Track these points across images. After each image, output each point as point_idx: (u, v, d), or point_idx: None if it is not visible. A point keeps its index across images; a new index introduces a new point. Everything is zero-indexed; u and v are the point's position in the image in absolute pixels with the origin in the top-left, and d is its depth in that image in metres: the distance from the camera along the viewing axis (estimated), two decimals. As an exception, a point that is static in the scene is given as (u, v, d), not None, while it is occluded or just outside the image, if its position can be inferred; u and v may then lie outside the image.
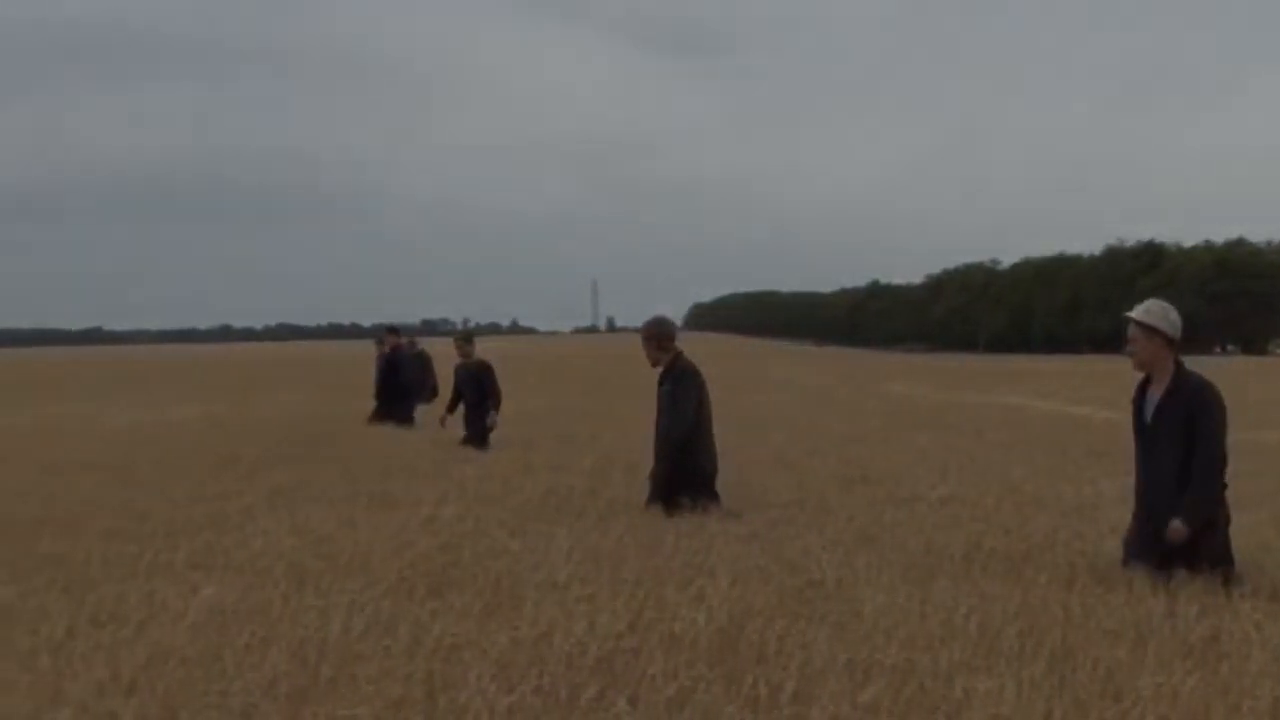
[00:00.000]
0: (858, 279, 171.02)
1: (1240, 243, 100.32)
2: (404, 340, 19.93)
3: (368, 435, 16.68)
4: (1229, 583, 6.34)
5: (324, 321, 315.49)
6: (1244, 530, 7.43)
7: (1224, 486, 6.59)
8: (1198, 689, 4.55)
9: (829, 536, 8.09)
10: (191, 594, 6.25)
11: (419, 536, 8.01)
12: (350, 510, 9.44)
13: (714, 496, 9.22)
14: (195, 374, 55.46)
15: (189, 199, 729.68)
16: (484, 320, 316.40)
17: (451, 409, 15.68)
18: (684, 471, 9.18)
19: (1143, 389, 6.80)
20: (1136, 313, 6.78)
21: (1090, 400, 25.98)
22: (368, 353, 21.13)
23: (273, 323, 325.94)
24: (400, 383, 18.72)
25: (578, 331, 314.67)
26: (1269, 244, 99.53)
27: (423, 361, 21.00)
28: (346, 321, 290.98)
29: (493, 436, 15.10)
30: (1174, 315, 6.75)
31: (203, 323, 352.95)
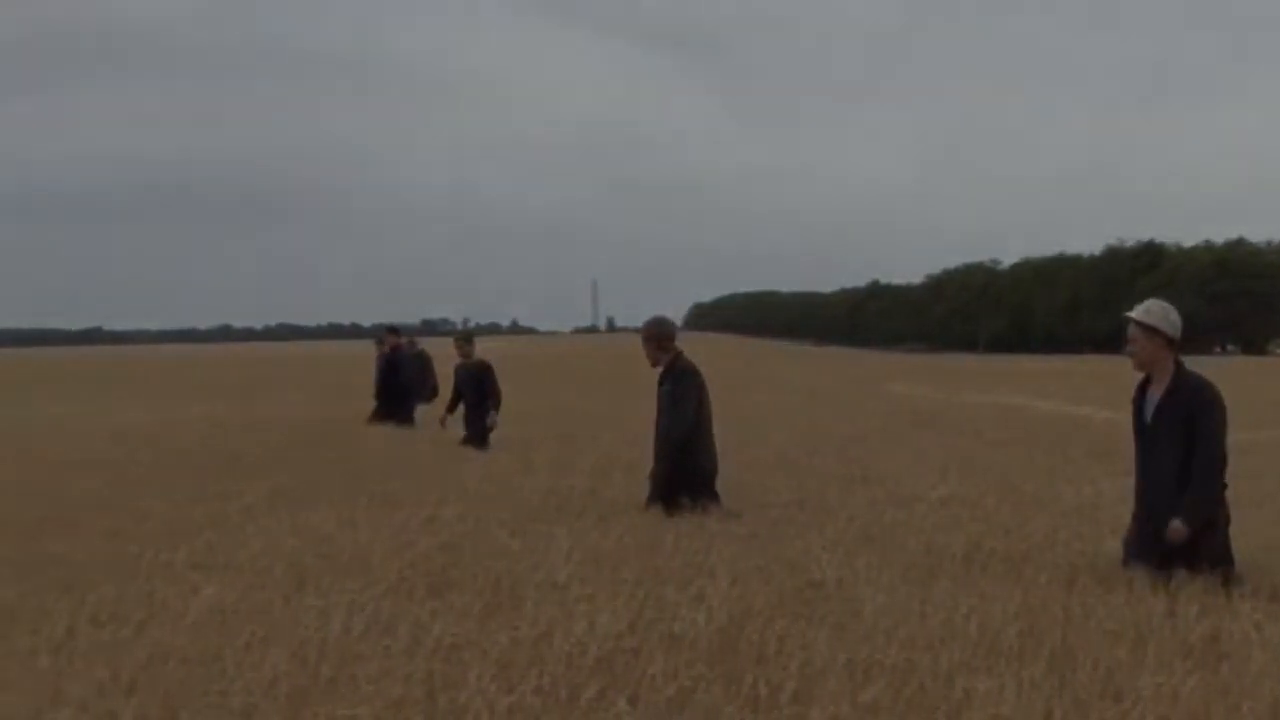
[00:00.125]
0: (858, 279, 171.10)
1: (1240, 243, 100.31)
2: (404, 340, 19.91)
3: (368, 435, 16.68)
4: (1229, 583, 6.34)
5: (324, 321, 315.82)
6: (1245, 530, 7.43)
7: (1224, 486, 6.59)
8: (1198, 689, 4.55)
9: (829, 537, 8.10)
10: (192, 594, 6.25)
11: (419, 536, 8.01)
12: (350, 510, 9.43)
13: (714, 496, 9.23)
14: (195, 374, 55.48)
15: (189, 199, 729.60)
16: (484, 320, 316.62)
17: (451, 409, 15.68)
18: (684, 471, 9.18)
19: (1143, 389, 6.80)
20: (1136, 313, 6.78)
21: (1090, 400, 25.99)
22: (368, 353, 21.12)
23: (273, 322, 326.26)
24: (400, 383, 18.70)
25: (578, 331, 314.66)
26: (1269, 244, 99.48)
27: (423, 361, 20.99)
28: (346, 321, 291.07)
29: (493, 437, 15.11)
30: (1174, 315, 6.75)
31: (203, 322, 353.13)
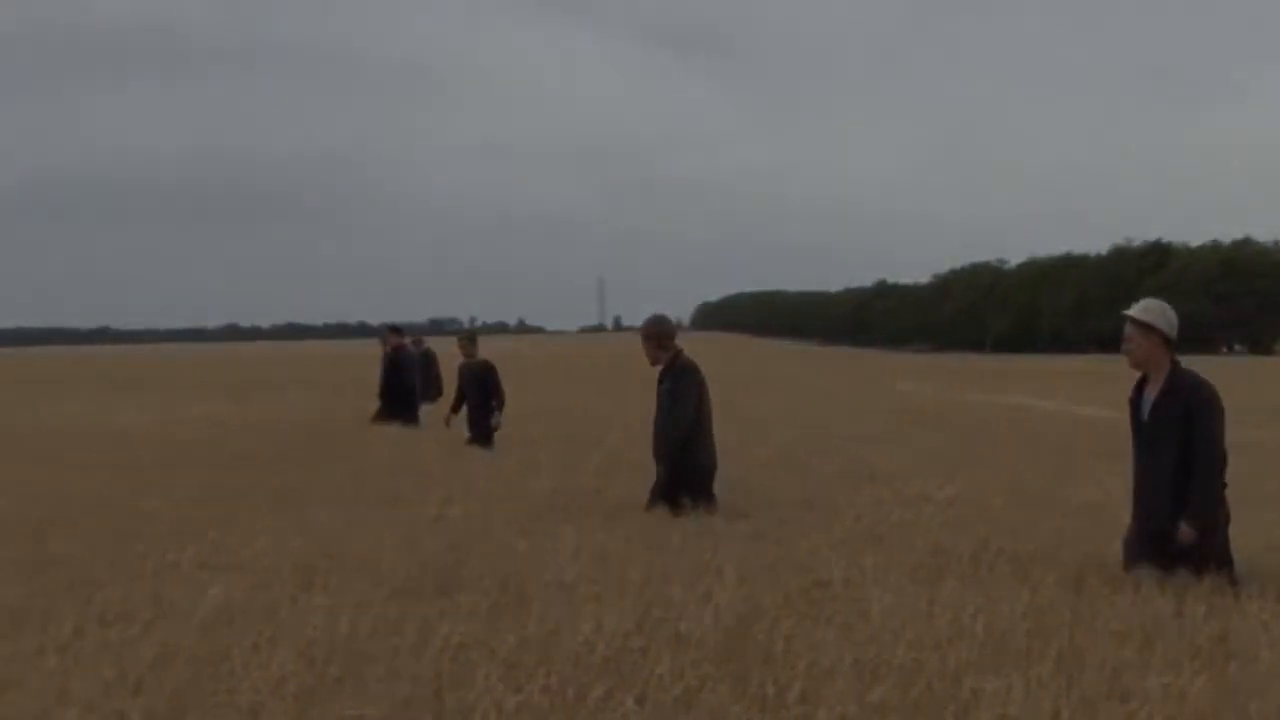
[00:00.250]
0: (864, 279, 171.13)
1: (1247, 242, 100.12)
2: (407, 339, 19.88)
3: (374, 435, 16.68)
4: (1230, 583, 6.33)
5: (331, 320, 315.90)
6: (1250, 531, 7.42)
7: (1224, 485, 6.58)
8: (1206, 689, 4.54)
9: (836, 536, 8.09)
10: (199, 594, 6.25)
11: (426, 536, 8.02)
12: (357, 510, 9.45)
13: (711, 497, 9.21)
14: (202, 373, 55.55)
15: (197, 198, 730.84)
16: (490, 319, 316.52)
17: (456, 409, 15.68)
18: (684, 470, 9.18)
19: (1139, 388, 6.80)
20: (1134, 311, 6.78)
21: (1097, 400, 25.97)
22: (374, 352, 21.13)
23: (280, 322, 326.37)
24: (404, 382, 18.69)
25: (584, 331, 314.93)
26: (1276, 243, 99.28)
27: (428, 361, 21.00)
28: (353, 320, 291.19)
29: (498, 436, 15.11)
30: (1171, 314, 6.74)
31: (210, 322, 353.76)
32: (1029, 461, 13.82)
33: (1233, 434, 6.75)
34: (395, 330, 19.85)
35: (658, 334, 9.55)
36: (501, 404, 15.20)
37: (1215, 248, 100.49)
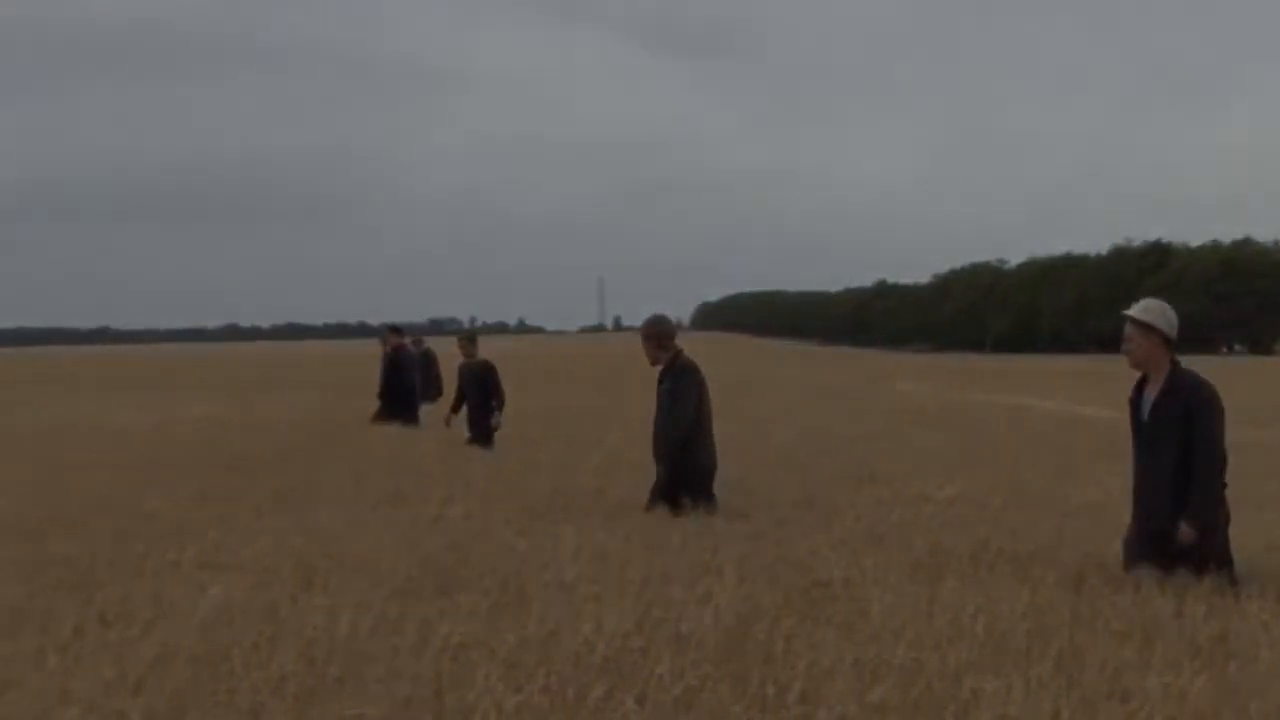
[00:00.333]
0: (864, 279, 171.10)
1: (1247, 242, 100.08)
2: (407, 339, 19.87)
3: (374, 435, 16.68)
4: (1231, 583, 6.33)
5: (331, 320, 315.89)
6: (1251, 531, 7.42)
7: (1224, 486, 6.58)
8: (1206, 689, 4.54)
9: (836, 536, 8.09)
10: (199, 593, 6.26)
11: (426, 536, 8.02)
12: (357, 510, 9.45)
13: (711, 497, 9.21)
14: (202, 373, 55.54)
15: (196, 198, 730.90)
16: (491, 319, 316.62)
17: (456, 409, 15.67)
18: (684, 470, 9.18)
19: (1139, 388, 6.80)
20: (1134, 311, 6.77)
21: (1097, 400, 25.97)
22: (374, 352, 21.11)
23: (280, 322, 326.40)
24: (403, 382, 18.69)
25: (584, 330, 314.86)
26: (1276, 243, 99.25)
27: (428, 360, 20.99)
28: (353, 320, 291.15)
29: (498, 436, 15.11)
30: (1171, 314, 6.74)
31: (210, 322, 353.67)
32: (1029, 461, 13.82)
33: (1233, 434, 6.75)
34: (395, 330, 19.83)
35: (658, 334, 9.55)
36: (501, 404, 15.20)
37: (1215, 248, 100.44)
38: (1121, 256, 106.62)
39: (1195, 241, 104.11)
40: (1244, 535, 6.95)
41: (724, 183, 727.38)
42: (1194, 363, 6.83)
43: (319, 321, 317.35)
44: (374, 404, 19.08)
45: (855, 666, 4.82)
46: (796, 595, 6.11)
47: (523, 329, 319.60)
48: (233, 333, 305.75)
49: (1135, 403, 6.79)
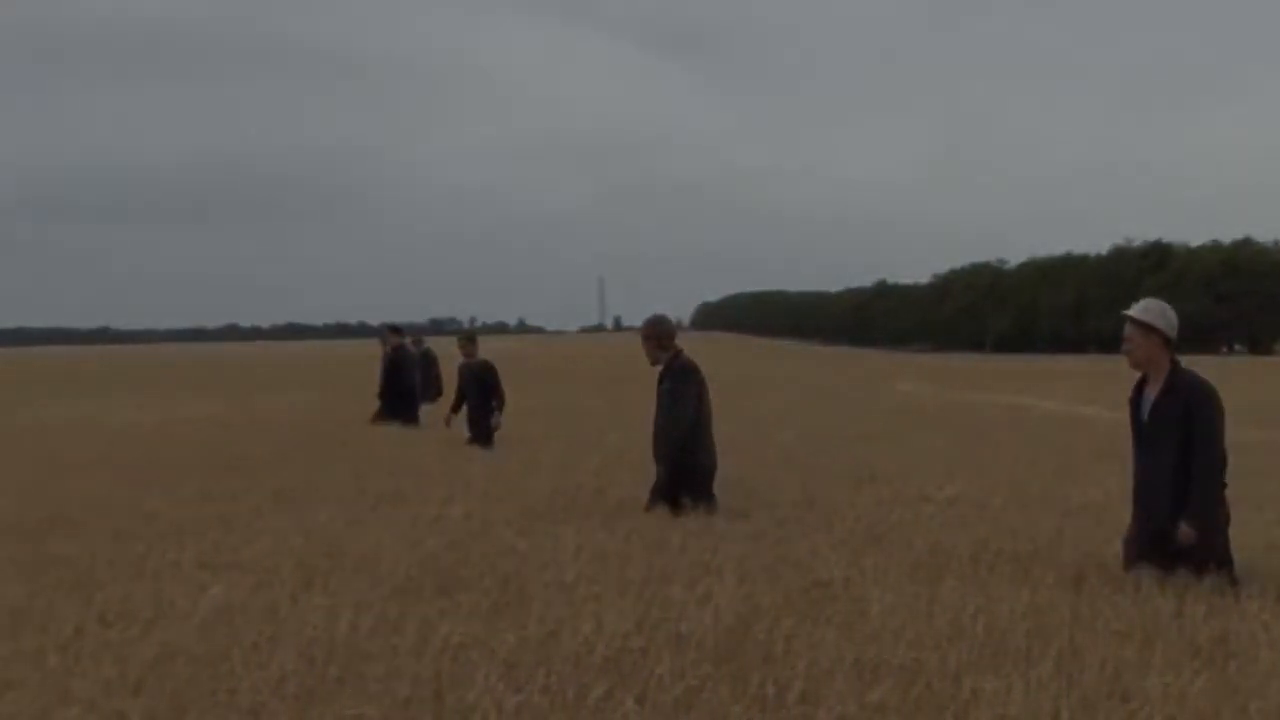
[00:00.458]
0: (864, 279, 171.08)
1: (1247, 242, 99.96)
2: (408, 339, 19.88)
3: (374, 435, 16.69)
4: (1231, 583, 6.33)
5: (331, 320, 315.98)
6: (1251, 530, 7.43)
7: (1223, 486, 6.58)
8: (1206, 689, 4.54)
9: (836, 536, 8.09)
10: (199, 593, 6.26)
11: (426, 536, 8.02)
12: (357, 510, 9.45)
13: (711, 497, 9.21)
14: (203, 373, 55.53)
15: (196, 198, 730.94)
16: (491, 319, 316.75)
17: (456, 409, 15.68)
18: (684, 470, 9.18)
19: (1139, 388, 6.80)
20: (1134, 311, 6.77)
21: (1097, 400, 25.96)
22: (374, 352, 21.12)
23: (280, 322, 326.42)
24: (403, 382, 18.70)
25: (584, 330, 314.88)
26: (1276, 243, 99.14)
27: (428, 361, 20.98)
28: (353, 320, 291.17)
29: (498, 436, 15.11)
30: (1171, 314, 6.74)
31: (210, 322, 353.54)
32: (1029, 461, 13.81)
33: (1233, 434, 6.75)
34: (395, 330, 19.85)
35: (658, 334, 9.55)
36: (501, 404, 15.21)
37: (1215, 248, 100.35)
38: (1121, 256, 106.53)
39: (1195, 241, 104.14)
40: (1244, 535, 6.95)
41: (724, 182, 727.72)
42: (1194, 363, 6.83)
43: (319, 321, 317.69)
44: (374, 404, 19.09)
45: (855, 666, 4.82)
46: (796, 595, 6.11)
47: (523, 329, 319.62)
48: (233, 333, 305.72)
49: (1135, 403, 6.79)
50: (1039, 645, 5.14)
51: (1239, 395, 12.30)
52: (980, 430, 19.29)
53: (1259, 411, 20.17)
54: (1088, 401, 26.73)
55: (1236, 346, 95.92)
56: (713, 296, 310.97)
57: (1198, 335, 64.29)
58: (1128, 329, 6.72)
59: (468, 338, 15.83)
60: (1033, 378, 43.07)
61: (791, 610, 5.73)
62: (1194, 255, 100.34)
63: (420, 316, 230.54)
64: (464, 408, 15.50)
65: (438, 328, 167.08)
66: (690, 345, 9.66)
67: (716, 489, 9.34)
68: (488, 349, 16.13)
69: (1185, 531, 6.41)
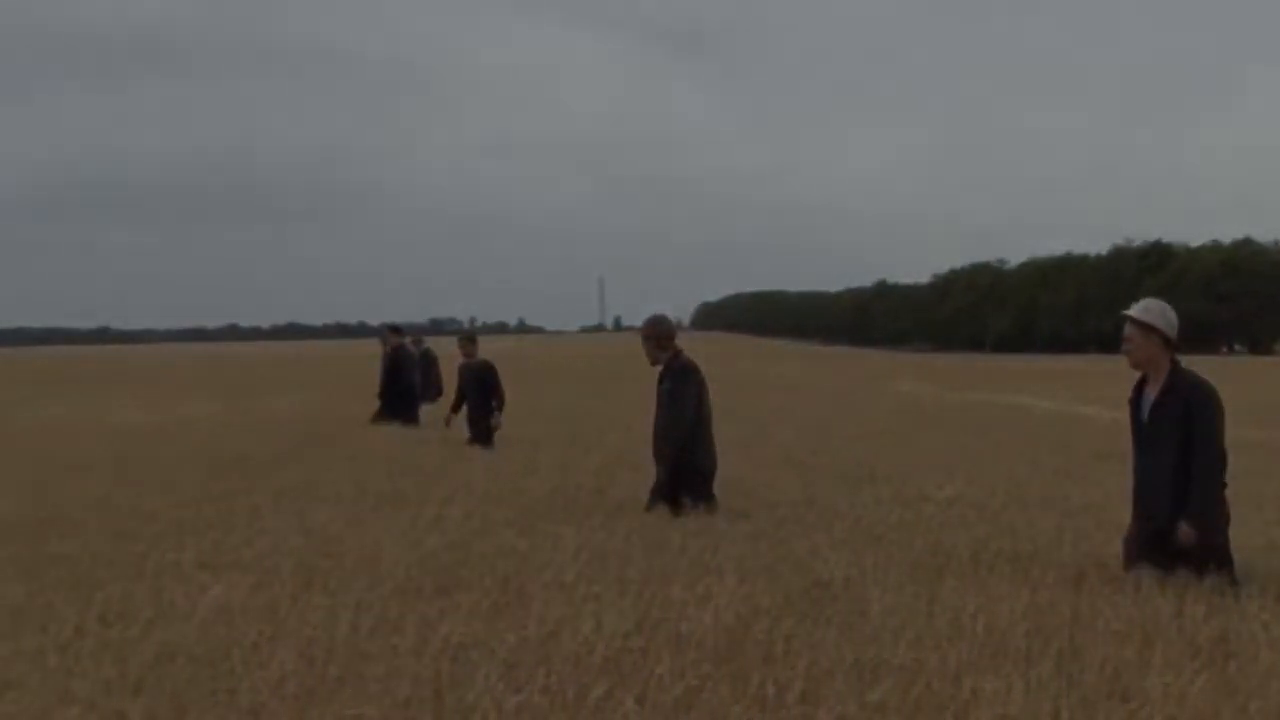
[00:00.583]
0: (864, 279, 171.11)
1: (1247, 242, 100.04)
2: (408, 339, 19.88)
3: (374, 435, 16.69)
4: (1231, 583, 6.34)
5: (331, 320, 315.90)
6: (1251, 530, 7.43)
7: (1223, 486, 6.58)
8: (1206, 689, 4.54)
9: (836, 536, 8.09)
10: (199, 593, 6.26)
11: (426, 536, 8.02)
12: (357, 510, 9.45)
13: (711, 497, 9.21)
14: (203, 373, 55.54)
15: (196, 199, 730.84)
16: (491, 319, 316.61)
17: (456, 409, 15.69)
18: (684, 470, 9.18)
19: (1139, 388, 6.80)
20: (1134, 311, 6.77)
21: (1097, 400, 25.97)
22: (374, 352, 21.13)
23: (280, 322, 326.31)
24: (403, 382, 18.70)
25: (584, 330, 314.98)
26: (1276, 243, 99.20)
27: (428, 361, 20.99)
28: (353, 320, 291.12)
29: (498, 436, 15.12)
30: (1171, 314, 6.74)
31: (210, 322, 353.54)
32: (1029, 461, 13.82)
33: (1233, 434, 6.75)
34: (395, 330, 19.85)
35: (657, 334, 9.55)
36: (501, 404, 15.22)
37: (1215, 248, 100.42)
38: (1121, 256, 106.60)
39: (1195, 241, 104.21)
40: (1244, 535, 6.95)
41: (724, 182, 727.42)
42: (1194, 363, 6.83)
43: (319, 321, 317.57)
44: (374, 404, 19.10)
45: (855, 666, 4.82)
46: (796, 595, 6.11)
47: (523, 329, 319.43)
48: (233, 333, 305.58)
49: (1135, 403, 6.79)
50: (1039, 645, 5.13)
51: (1239, 395, 12.27)
52: (980, 430, 19.30)
53: (1259, 411, 20.19)
54: (1088, 401, 26.75)
55: (1236, 347, 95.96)
56: (713, 296, 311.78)
57: (1198, 335, 64.23)
58: (1128, 329, 6.72)
59: (468, 338, 15.84)
60: (1032, 377, 43.10)
61: (791, 610, 5.73)
62: (1194, 255, 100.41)
63: (420, 316, 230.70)
64: (464, 408, 15.51)
65: (438, 328, 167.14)
66: (690, 345, 9.67)
67: (716, 489, 9.35)
68: (488, 349, 16.14)
69: (1185, 531, 6.41)
